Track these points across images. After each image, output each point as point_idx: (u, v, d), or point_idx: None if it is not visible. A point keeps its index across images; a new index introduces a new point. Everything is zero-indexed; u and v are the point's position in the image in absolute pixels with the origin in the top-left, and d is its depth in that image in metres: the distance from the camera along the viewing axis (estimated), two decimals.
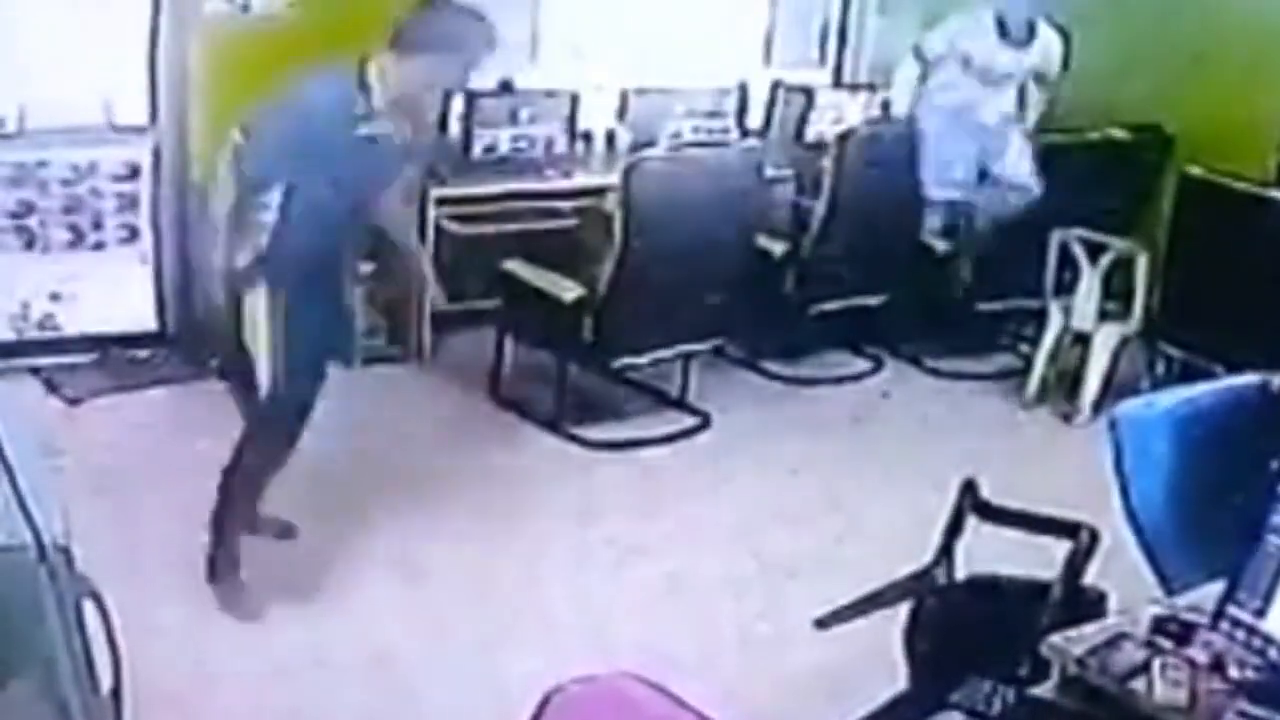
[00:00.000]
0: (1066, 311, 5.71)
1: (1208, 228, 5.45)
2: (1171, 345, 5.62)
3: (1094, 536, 2.91)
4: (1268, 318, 4.82)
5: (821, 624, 3.12)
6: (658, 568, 4.19)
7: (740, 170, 5.29)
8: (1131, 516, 2.97)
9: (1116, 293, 5.74)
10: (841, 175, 5.62)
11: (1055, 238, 5.65)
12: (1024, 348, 6.11)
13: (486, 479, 4.75)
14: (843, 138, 5.74)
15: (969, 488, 3.14)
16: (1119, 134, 6.27)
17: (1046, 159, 6.00)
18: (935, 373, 6.05)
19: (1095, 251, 5.63)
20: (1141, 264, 5.60)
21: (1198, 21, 6.27)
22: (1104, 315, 5.71)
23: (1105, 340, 5.65)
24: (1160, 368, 5.68)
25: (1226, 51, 6.21)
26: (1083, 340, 5.68)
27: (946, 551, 3.10)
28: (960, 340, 6.13)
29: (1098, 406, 5.45)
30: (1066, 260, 5.70)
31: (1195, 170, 5.61)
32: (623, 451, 4.95)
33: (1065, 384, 5.73)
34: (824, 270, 5.73)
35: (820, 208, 5.67)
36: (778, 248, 5.71)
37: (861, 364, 6.04)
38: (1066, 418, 5.64)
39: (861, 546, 4.31)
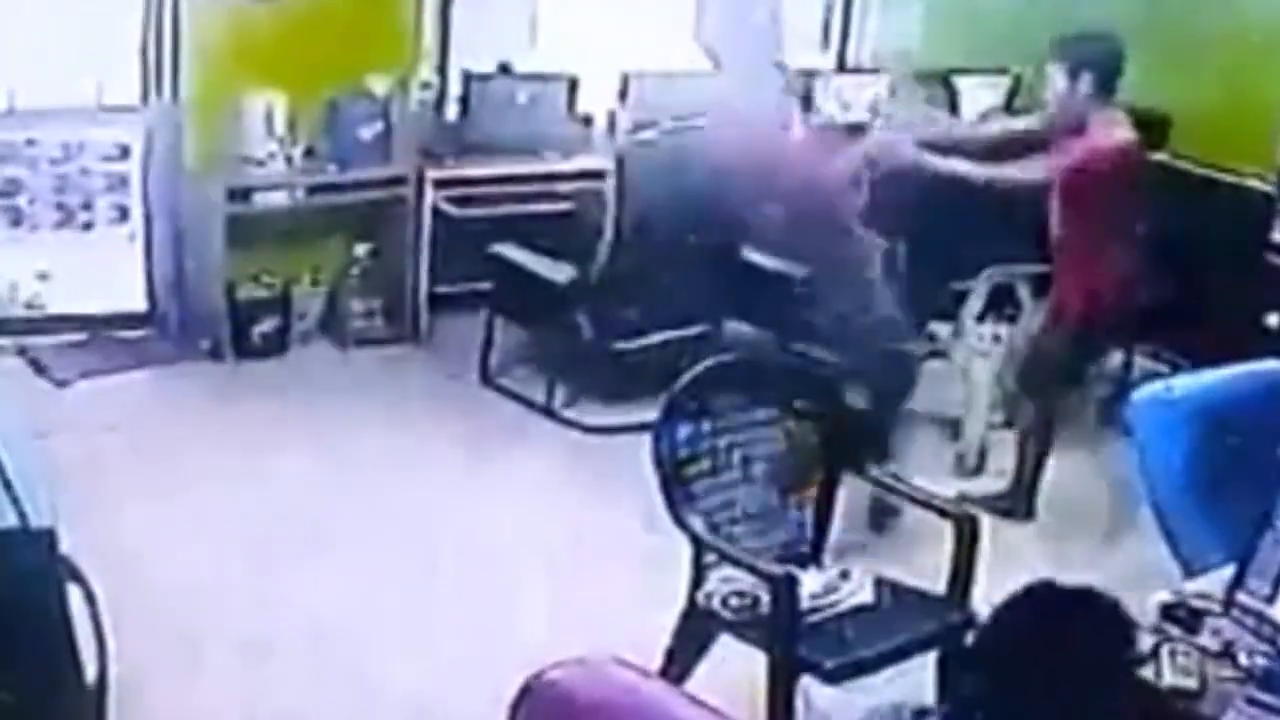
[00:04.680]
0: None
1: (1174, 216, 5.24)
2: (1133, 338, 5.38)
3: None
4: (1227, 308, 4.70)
5: None
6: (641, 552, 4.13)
7: None
8: (1151, 498, 2.95)
9: None
10: None
11: (988, 276, 5.06)
12: None
13: (464, 458, 4.71)
14: None
15: None
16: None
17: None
18: None
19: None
20: None
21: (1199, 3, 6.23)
22: None
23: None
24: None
25: (1228, 35, 6.18)
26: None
27: None
28: None
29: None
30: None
31: (1160, 156, 5.50)
32: (614, 435, 4.90)
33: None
34: None
35: None
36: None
37: None
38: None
39: None
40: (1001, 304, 5.08)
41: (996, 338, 4.98)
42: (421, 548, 4.12)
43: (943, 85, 6.66)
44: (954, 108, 6.59)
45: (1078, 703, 1.84)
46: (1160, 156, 5.48)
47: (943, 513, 3.24)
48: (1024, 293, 5.00)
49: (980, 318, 5.02)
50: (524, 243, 5.25)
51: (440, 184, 5.62)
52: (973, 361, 4.96)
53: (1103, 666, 1.86)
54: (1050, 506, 4.54)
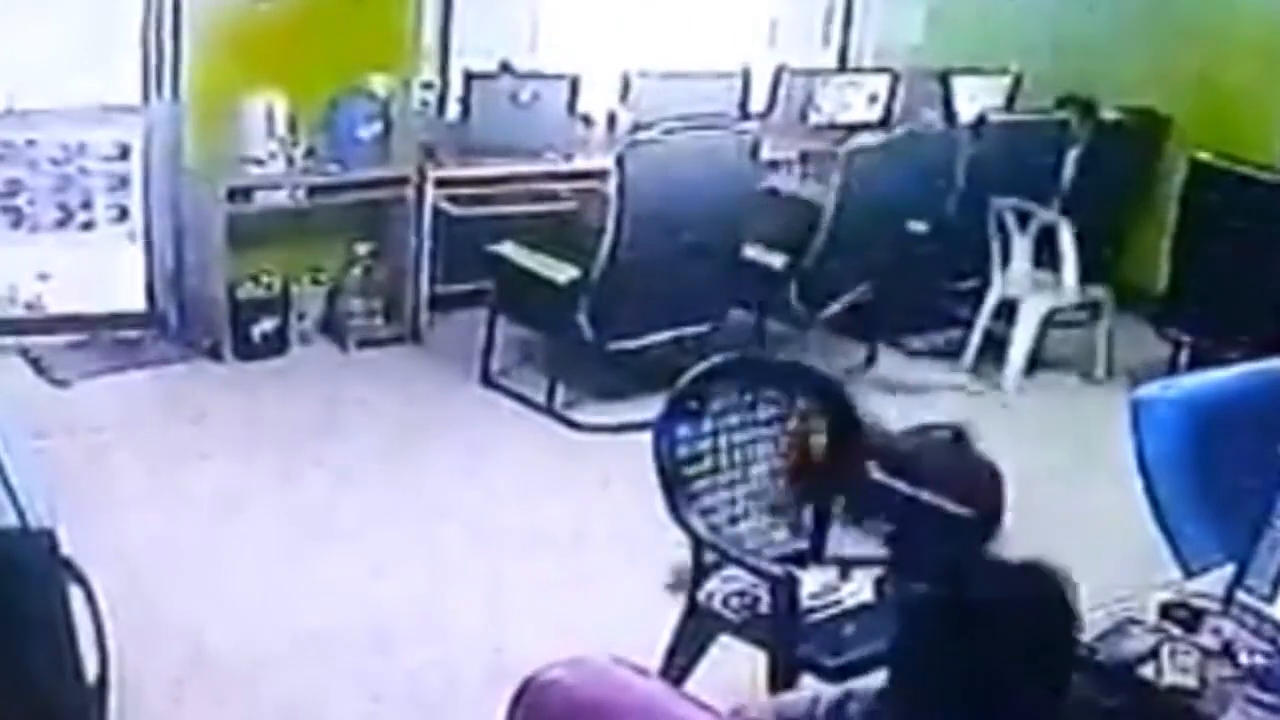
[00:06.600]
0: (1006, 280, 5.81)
1: (1217, 213, 5.42)
2: (1180, 331, 5.61)
3: None
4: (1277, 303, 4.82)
5: None
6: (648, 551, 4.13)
7: (736, 152, 5.24)
8: (1150, 497, 2.95)
9: (1091, 267, 5.82)
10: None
11: (993, 206, 5.72)
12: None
13: (466, 458, 4.72)
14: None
15: None
16: (1111, 115, 6.25)
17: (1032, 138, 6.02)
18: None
19: (1025, 220, 5.73)
20: (1065, 233, 5.67)
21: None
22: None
23: (1032, 309, 5.72)
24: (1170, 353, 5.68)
25: (1227, 29, 6.21)
26: (1013, 307, 5.78)
27: None
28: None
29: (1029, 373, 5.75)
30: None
31: (1204, 155, 5.57)
32: (614, 434, 4.91)
33: (997, 353, 5.81)
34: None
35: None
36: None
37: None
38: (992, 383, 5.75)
39: None
40: None
41: None
42: (422, 547, 4.12)
43: (940, 84, 6.67)
44: (949, 104, 6.61)
45: (1017, 675, 1.83)
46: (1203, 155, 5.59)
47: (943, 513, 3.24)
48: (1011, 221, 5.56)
49: None
50: (524, 243, 5.25)
51: (441, 183, 5.63)
52: None
53: (1043, 642, 1.85)
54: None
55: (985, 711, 1.79)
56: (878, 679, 1.97)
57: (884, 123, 6.60)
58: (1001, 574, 1.92)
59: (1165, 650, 2.45)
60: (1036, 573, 1.88)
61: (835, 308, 5.65)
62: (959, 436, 4.34)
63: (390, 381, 5.34)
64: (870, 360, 5.85)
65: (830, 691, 1.98)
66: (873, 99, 6.79)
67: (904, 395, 5.43)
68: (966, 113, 6.43)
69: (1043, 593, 1.87)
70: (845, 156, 5.46)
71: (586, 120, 6.15)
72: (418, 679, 3.50)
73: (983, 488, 3.61)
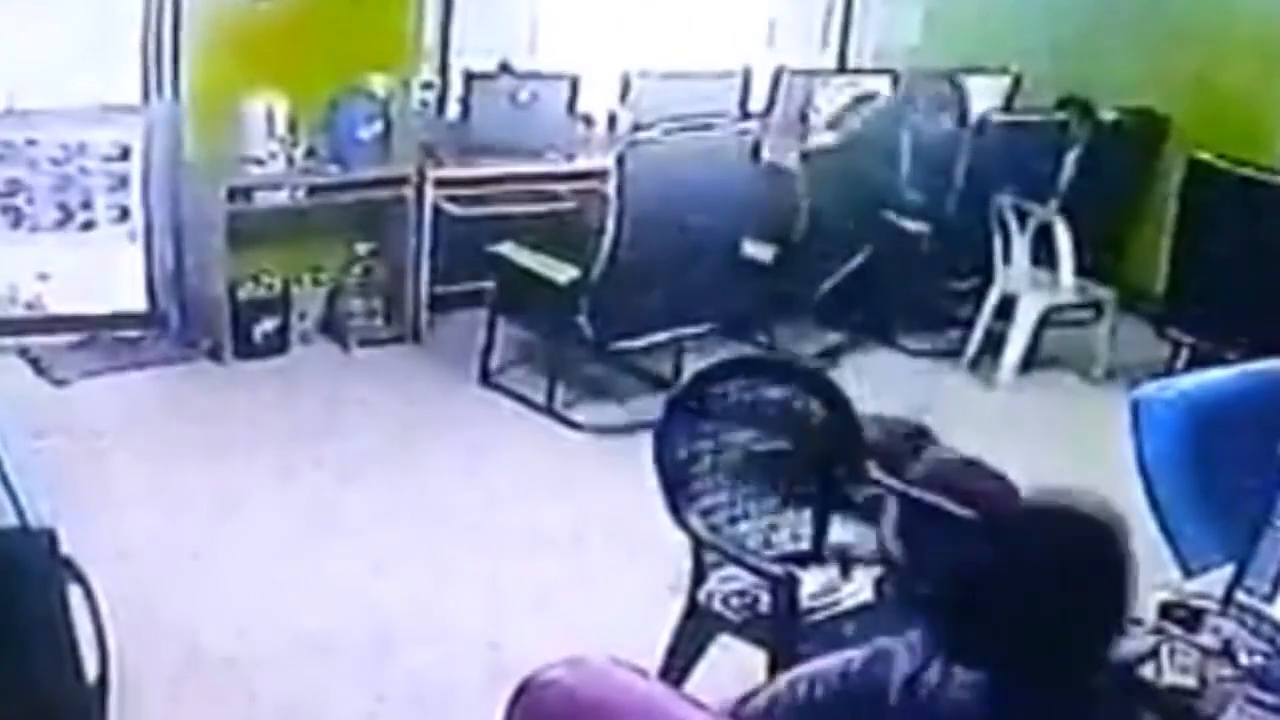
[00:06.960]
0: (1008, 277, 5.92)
1: (1217, 213, 5.43)
2: (1181, 331, 5.60)
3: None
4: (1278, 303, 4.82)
5: None
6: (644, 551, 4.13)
7: (736, 152, 5.24)
8: (1150, 497, 2.95)
9: (1091, 267, 5.91)
10: None
11: (994, 203, 5.80)
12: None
13: (466, 458, 4.73)
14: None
15: None
16: (1110, 116, 6.26)
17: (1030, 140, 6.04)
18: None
19: (1024, 218, 5.82)
20: (1061, 231, 5.75)
21: None
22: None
23: (1029, 306, 5.80)
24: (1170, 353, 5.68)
25: (1225, 29, 6.22)
26: (1014, 304, 5.87)
27: None
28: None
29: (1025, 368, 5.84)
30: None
31: (1203, 155, 5.57)
32: (615, 435, 4.91)
33: (998, 352, 5.88)
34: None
35: None
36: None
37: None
38: (989, 381, 5.84)
39: None
40: None
41: None
42: (422, 547, 4.12)
43: (949, 84, 6.66)
44: (962, 105, 6.60)
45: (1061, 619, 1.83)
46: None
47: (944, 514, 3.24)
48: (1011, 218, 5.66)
49: None
50: (524, 243, 5.25)
51: (441, 183, 5.63)
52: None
53: (1096, 580, 1.84)
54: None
55: (1034, 655, 1.80)
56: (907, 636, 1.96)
57: None
58: (1047, 516, 1.92)
59: (1165, 650, 2.45)
60: (1081, 513, 1.88)
61: (824, 289, 5.79)
62: (922, 433, 4.36)
63: (390, 381, 5.34)
64: (853, 345, 5.86)
65: (859, 653, 1.98)
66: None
67: (903, 394, 5.43)
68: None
69: (1092, 531, 1.87)
70: (801, 157, 5.80)
71: (586, 120, 6.14)
72: (418, 679, 3.50)
73: (989, 493, 3.61)
